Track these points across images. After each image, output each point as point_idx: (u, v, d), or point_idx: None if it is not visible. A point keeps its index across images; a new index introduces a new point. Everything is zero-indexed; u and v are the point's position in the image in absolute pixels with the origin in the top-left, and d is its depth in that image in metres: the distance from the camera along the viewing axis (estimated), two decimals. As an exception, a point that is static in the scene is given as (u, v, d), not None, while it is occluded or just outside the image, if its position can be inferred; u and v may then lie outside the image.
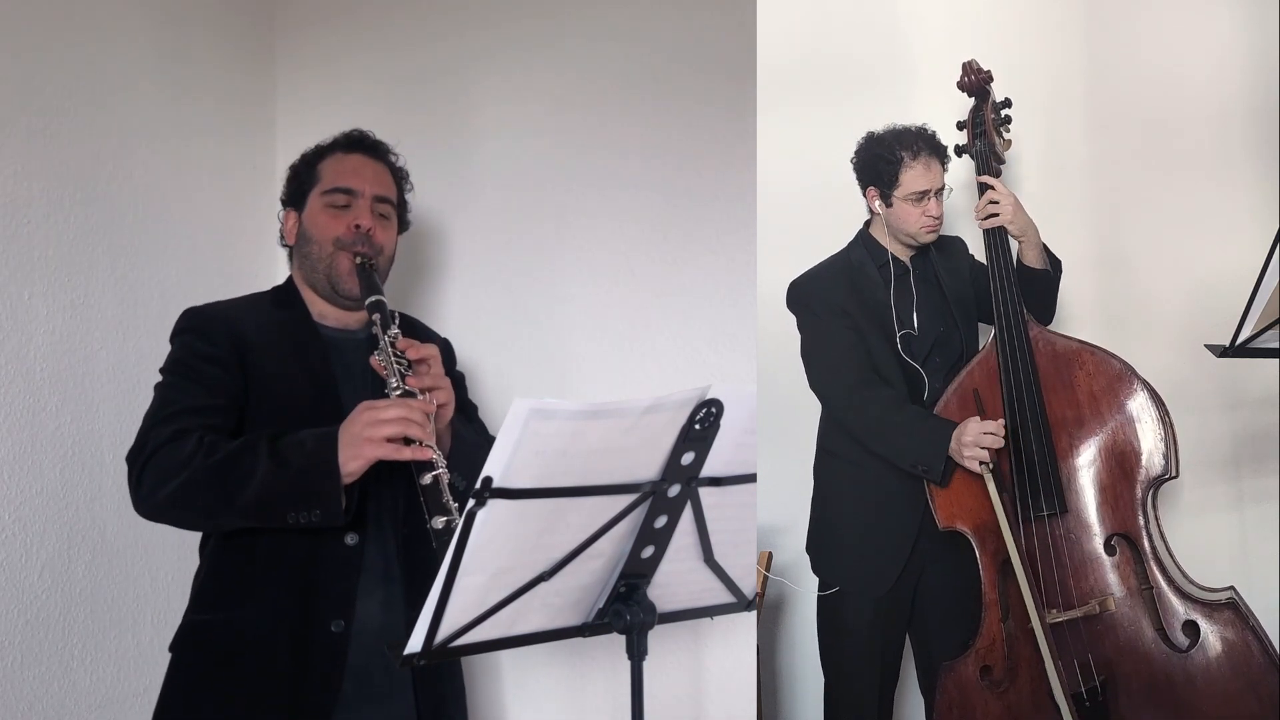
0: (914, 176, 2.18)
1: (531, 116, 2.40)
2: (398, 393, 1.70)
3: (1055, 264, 2.24)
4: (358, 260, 1.86)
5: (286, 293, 1.95)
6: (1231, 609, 1.98)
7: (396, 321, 1.79)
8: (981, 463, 2.03)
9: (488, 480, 1.29)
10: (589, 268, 2.34)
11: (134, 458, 1.72)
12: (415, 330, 2.05)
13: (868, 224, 2.31)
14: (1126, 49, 2.45)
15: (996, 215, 2.14)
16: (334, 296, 1.91)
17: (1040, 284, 2.21)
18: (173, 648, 1.80)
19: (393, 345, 1.74)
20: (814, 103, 2.49)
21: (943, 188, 2.22)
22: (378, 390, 1.76)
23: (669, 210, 2.28)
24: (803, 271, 2.28)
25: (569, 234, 2.36)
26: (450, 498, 1.63)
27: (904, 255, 2.27)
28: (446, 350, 2.08)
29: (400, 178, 2.03)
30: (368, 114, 2.34)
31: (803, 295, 2.26)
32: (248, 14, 2.60)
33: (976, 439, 2.04)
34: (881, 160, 2.21)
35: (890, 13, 2.56)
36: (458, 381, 2.06)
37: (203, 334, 1.82)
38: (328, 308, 1.93)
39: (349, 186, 1.92)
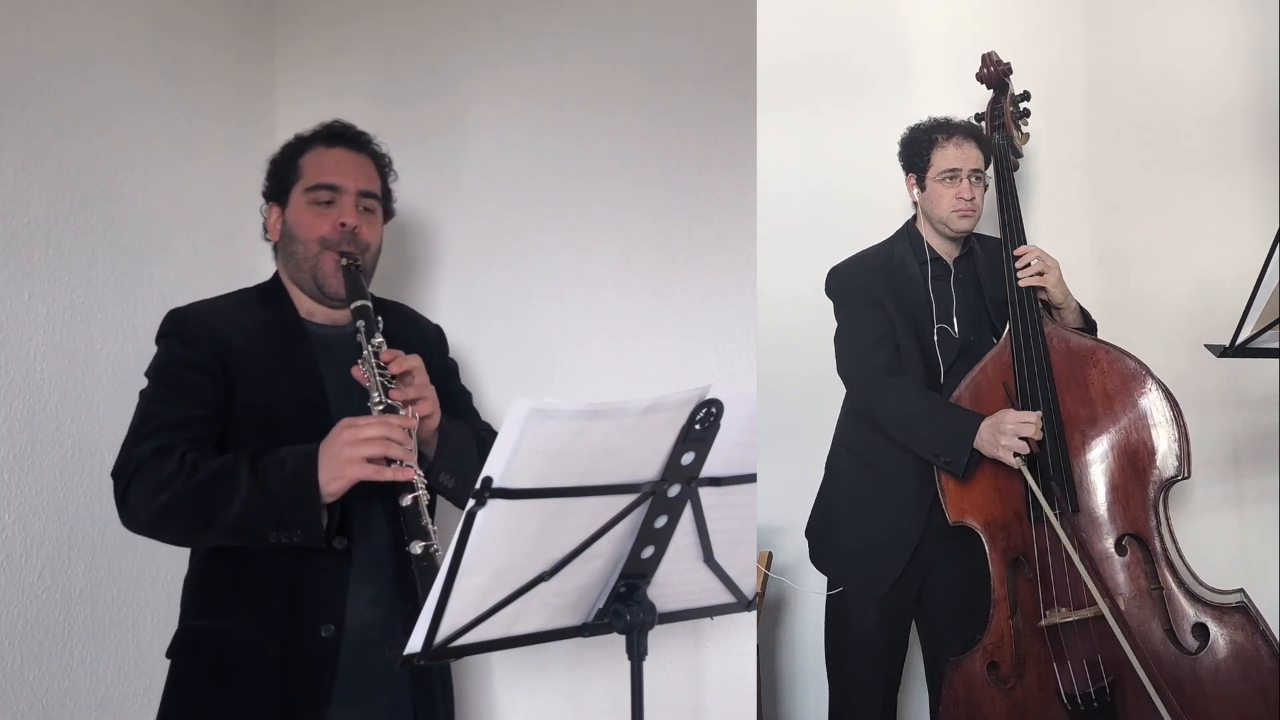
0: (945, 156, 2.16)
1: (533, 114, 2.40)
2: (380, 407, 1.69)
3: (1089, 322, 2.23)
4: (344, 261, 1.84)
5: (273, 290, 1.91)
6: (1241, 612, 1.97)
7: (380, 327, 1.77)
8: (1016, 454, 1.99)
9: (488, 480, 1.29)
10: (588, 267, 2.34)
11: (118, 474, 1.71)
12: (408, 318, 2.03)
13: (914, 217, 2.29)
14: (1126, 49, 2.45)
15: (1040, 274, 2.11)
16: (320, 296, 1.88)
17: None
18: (170, 654, 1.80)
19: (376, 356, 1.73)
20: (814, 103, 2.49)
21: (979, 172, 2.18)
22: (367, 392, 1.76)
23: (669, 209, 2.27)
24: (844, 259, 2.25)
25: (568, 232, 2.36)
26: (429, 520, 1.64)
27: (947, 254, 2.23)
28: (439, 338, 2.07)
29: (384, 167, 1.98)
30: (369, 108, 2.34)
31: (840, 283, 2.24)
32: (246, 10, 2.60)
33: (1018, 428, 1.99)
34: (917, 144, 2.21)
35: (890, 13, 2.56)
36: (450, 370, 2.05)
37: (185, 339, 1.79)
38: (315, 305, 1.90)
39: (333, 183, 1.88)
